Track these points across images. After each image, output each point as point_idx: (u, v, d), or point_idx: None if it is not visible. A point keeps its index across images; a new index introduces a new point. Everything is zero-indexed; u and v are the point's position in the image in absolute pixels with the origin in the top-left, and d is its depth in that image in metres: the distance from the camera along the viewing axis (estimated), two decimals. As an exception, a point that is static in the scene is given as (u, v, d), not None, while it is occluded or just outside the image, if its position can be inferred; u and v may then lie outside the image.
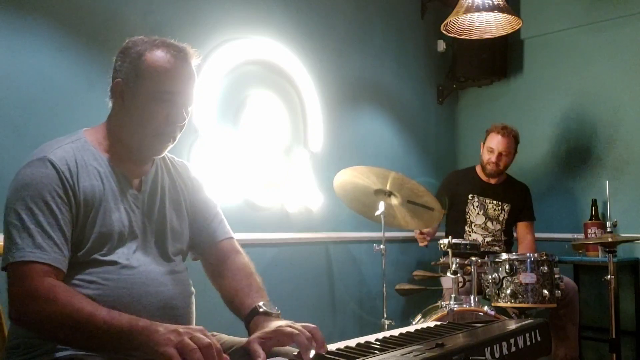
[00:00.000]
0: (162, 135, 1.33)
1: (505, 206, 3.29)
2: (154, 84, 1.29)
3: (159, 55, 1.31)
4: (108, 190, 1.30)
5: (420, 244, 3.07)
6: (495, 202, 3.29)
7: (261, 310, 1.28)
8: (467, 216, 3.30)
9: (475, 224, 3.29)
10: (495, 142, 3.17)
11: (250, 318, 1.28)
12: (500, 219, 3.28)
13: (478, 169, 3.37)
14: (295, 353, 1.09)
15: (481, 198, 3.29)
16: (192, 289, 1.44)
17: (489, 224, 3.27)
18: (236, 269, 1.44)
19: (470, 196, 3.30)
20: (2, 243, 1.21)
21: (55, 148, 1.27)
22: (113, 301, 1.20)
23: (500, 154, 3.17)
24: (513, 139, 3.19)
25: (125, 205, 1.32)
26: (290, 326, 1.12)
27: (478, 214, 3.29)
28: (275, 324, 1.18)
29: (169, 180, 1.46)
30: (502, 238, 3.28)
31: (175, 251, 1.41)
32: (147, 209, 1.38)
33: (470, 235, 3.28)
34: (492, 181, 3.32)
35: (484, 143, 3.26)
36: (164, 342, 0.98)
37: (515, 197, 3.31)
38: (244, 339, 1.36)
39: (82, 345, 1.13)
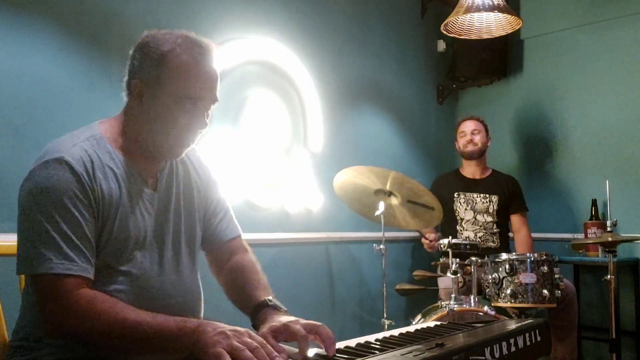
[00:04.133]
0: (182, 141, 1.29)
1: (492, 198, 3.32)
2: (176, 89, 1.24)
3: (182, 59, 1.24)
4: (124, 192, 1.25)
5: (430, 250, 3.16)
6: (482, 195, 3.34)
7: (270, 303, 1.28)
8: (457, 214, 3.33)
9: (466, 220, 3.31)
10: (463, 126, 3.41)
11: (258, 311, 1.27)
12: (490, 210, 3.31)
13: (461, 170, 3.47)
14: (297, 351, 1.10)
15: (467, 194, 3.35)
16: (201, 292, 1.43)
17: (478, 217, 3.30)
18: (244, 266, 1.45)
19: (455, 194, 3.36)
20: (16, 245, 1.18)
21: (71, 146, 1.21)
22: None
23: (471, 133, 3.36)
24: (479, 121, 3.41)
25: (141, 207, 1.29)
26: (300, 324, 1.12)
27: (466, 209, 3.32)
28: (285, 319, 1.18)
29: (183, 174, 1.42)
30: (495, 230, 3.29)
31: (188, 251, 1.39)
32: (162, 209, 1.34)
33: (462, 234, 3.30)
34: (477, 176, 3.40)
35: (457, 140, 3.46)
36: (213, 343, 0.99)
37: (502, 188, 3.36)
38: None
39: (130, 350, 1.14)
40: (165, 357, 1.19)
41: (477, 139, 3.35)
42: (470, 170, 3.41)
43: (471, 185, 3.37)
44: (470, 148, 3.34)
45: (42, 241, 1.13)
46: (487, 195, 3.33)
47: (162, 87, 1.24)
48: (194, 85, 1.25)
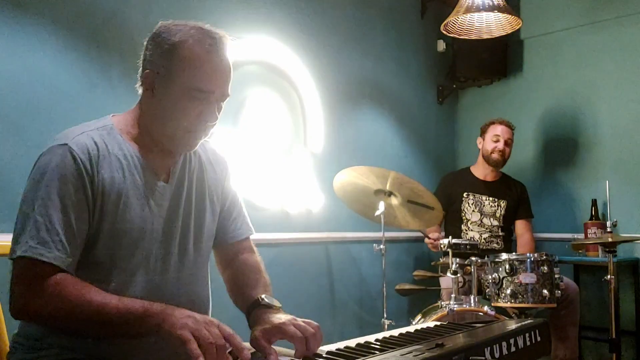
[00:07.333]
0: (194, 132, 1.27)
1: (501, 202, 3.31)
2: (187, 81, 1.23)
3: (194, 50, 1.23)
4: (130, 183, 1.24)
5: (435, 250, 3.13)
6: (491, 198, 3.32)
7: (262, 302, 1.26)
8: (463, 214, 3.32)
9: (471, 222, 3.30)
10: (500, 130, 3.29)
11: (252, 310, 1.27)
12: (497, 215, 3.30)
13: (473, 169, 3.43)
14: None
15: (477, 196, 3.32)
16: (208, 294, 1.42)
17: (484, 220, 3.29)
18: (247, 265, 1.45)
19: (465, 194, 3.33)
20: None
21: (79, 134, 1.22)
22: None
23: (505, 142, 3.27)
24: (512, 131, 3.34)
25: (150, 199, 1.27)
26: (294, 324, 1.11)
27: (473, 211, 3.31)
28: (277, 318, 1.16)
29: (196, 168, 1.40)
30: (500, 233, 3.29)
31: (195, 249, 1.36)
32: (173, 203, 1.32)
33: (467, 234, 3.29)
34: (488, 179, 3.37)
35: (483, 137, 3.36)
36: (181, 326, 0.99)
37: (511, 194, 3.35)
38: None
39: (94, 334, 1.13)
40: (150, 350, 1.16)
41: (508, 151, 3.29)
42: (483, 171, 3.37)
43: (481, 187, 3.34)
44: (497, 156, 3.26)
45: (26, 224, 1.13)
46: (496, 200, 3.31)
47: (173, 78, 1.24)
48: (206, 77, 1.24)
